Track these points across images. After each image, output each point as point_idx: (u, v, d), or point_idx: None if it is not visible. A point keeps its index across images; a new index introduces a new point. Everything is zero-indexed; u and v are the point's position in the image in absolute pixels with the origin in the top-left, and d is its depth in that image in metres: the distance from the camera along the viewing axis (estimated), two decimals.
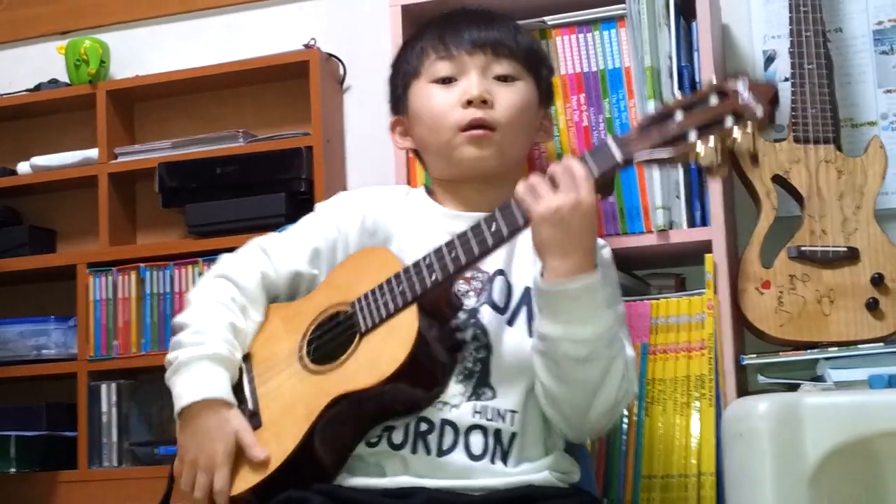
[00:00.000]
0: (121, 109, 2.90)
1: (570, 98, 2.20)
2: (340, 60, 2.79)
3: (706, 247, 2.05)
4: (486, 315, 1.63)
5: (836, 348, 2.01)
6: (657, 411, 1.99)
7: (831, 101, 2.18)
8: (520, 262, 1.66)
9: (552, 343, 1.54)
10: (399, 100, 1.80)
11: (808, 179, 2.13)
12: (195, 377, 1.60)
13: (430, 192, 1.80)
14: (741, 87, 1.46)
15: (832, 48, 2.31)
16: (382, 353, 1.51)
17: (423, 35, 1.78)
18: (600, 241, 1.74)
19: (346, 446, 1.56)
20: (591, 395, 1.56)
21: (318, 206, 1.80)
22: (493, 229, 1.52)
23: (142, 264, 2.72)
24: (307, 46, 2.73)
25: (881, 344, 2.02)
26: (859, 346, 2.01)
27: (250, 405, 1.61)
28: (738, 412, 1.78)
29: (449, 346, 1.56)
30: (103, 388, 2.70)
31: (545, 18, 2.21)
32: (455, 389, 1.57)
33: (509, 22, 1.79)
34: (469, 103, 1.68)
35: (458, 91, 1.69)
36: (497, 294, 1.65)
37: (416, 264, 1.54)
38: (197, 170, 2.72)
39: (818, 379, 1.99)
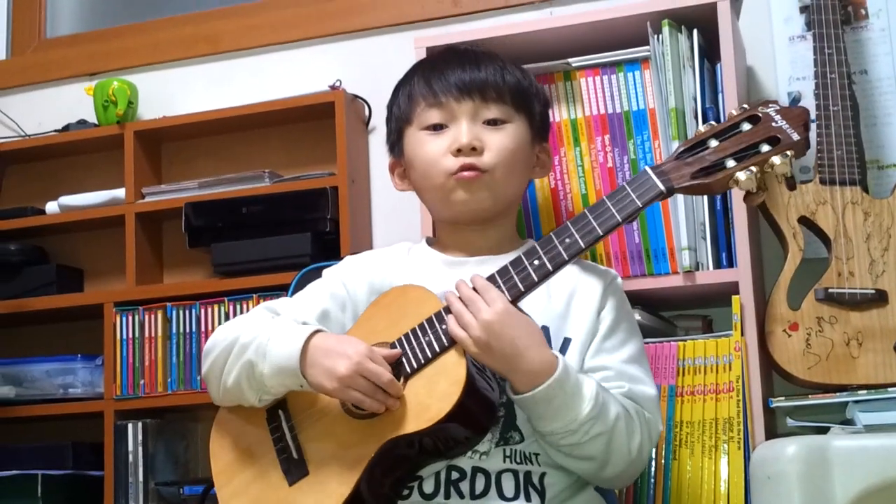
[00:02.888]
0: (148, 150, 2.92)
1: (595, 139, 2.20)
2: (366, 101, 2.81)
3: (733, 288, 2.05)
4: None
5: (865, 391, 2.00)
6: (685, 454, 1.99)
7: (857, 142, 2.18)
8: (533, 300, 1.65)
9: (545, 437, 1.56)
10: (395, 144, 1.83)
11: (834, 221, 2.13)
12: (289, 330, 1.59)
13: (431, 242, 1.83)
14: (773, 112, 1.46)
15: (857, 90, 2.31)
16: (432, 394, 1.50)
17: (412, 79, 1.79)
18: (611, 271, 1.75)
19: (395, 491, 1.56)
20: (602, 464, 1.57)
21: (326, 271, 1.82)
22: (535, 264, 1.53)
23: (168, 303, 2.73)
24: (333, 88, 2.75)
25: None
26: (889, 389, 1.99)
27: (294, 453, 1.60)
28: (766, 455, 1.77)
29: (494, 383, 1.55)
30: (129, 427, 2.70)
31: (570, 60, 2.23)
32: (485, 437, 1.57)
33: (496, 60, 1.79)
34: (459, 151, 1.70)
35: (448, 139, 1.71)
36: None
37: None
38: (223, 210, 2.74)
39: (848, 422, 1.98)
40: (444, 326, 1.53)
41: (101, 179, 2.96)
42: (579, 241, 1.53)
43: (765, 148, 1.46)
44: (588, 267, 1.75)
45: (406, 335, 1.56)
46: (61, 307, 2.85)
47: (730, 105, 2.12)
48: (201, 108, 2.86)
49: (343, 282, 1.75)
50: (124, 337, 2.74)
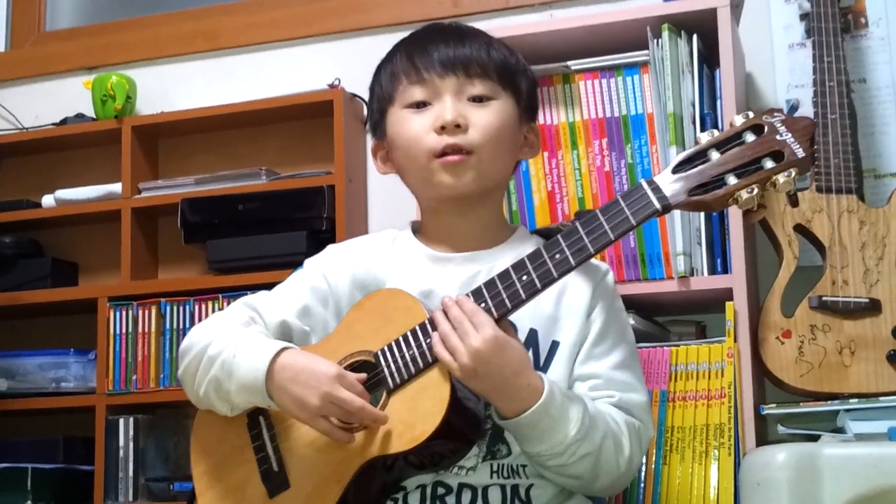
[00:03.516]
0: (145, 145, 2.92)
1: (593, 143, 2.20)
2: (364, 100, 2.80)
3: (727, 294, 2.05)
4: None
5: (856, 400, 2.00)
6: (675, 460, 1.98)
7: (854, 151, 2.18)
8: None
9: (531, 458, 1.54)
10: (377, 125, 1.75)
11: (830, 229, 2.13)
12: (255, 347, 1.55)
13: (416, 230, 1.75)
14: (777, 123, 1.39)
15: (856, 98, 2.31)
16: (416, 413, 1.46)
17: (394, 57, 1.72)
18: (602, 265, 1.69)
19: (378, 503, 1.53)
20: (591, 481, 1.55)
21: (307, 261, 1.75)
22: (524, 280, 1.47)
23: (162, 299, 2.73)
24: (331, 86, 2.75)
25: None
26: (880, 398, 1.99)
27: (275, 465, 1.56)
28: (756, 461, 1.77)
29: (479, 400, 1.51)
30: (121, 422, 2.70)
31: (569, 63, 2.23)
32: (471, 451, 1.53)
33: (482, 37, 1.71)
34: (443, 129, 1.62)
35: (432, 116, 1.63)
36: None
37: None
38: (219, 206, 2.74)
39: (839, 430, 1.98)
40: (428, 341, 1.48)
41: (97, 174, 2.96)
42: (570, 258, 1.47)
43: (768, 164, 1.38)
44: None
45: (390, 346, 1.52)
46: (55, 301, 2.85)
47: (728, 111, 2.12)
48: (199, 104, 2.86)
49: (324, 274, 1.69)
50: (118, 332, 2.74)
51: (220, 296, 2.68)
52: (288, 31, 2.94)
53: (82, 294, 2.85)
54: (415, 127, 1.65)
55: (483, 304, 1.48)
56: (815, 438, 1.95)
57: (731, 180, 1.40)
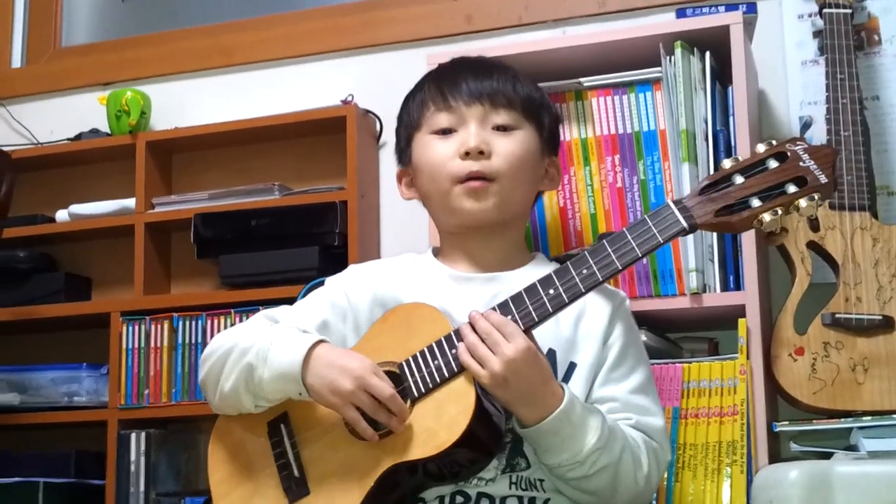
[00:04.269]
0: (159, 160, 2.93)
1: (605, 159, 2.20)
2: (377, 117, 2.81)
3: (739, 311, 2.04)
4: None
5: (870, 418, 1.99)
6: (687, 477, 1.98)
7: (867, 168, 2.18)
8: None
9: (552, 470, 1.55)
10: (403, 151, 1.81)
11: (843, 246, 2.12)
12: (292, 337, 1.58)
13: (437, 253, 1.80)
14: (801, 151, 1.43)
15: (869, 116, 2.31)
16: (440, 421, 1.48)
17: (424, 87, 1.78)
18: (620, 292, 1.74)
19: None
20: (610, 496, 1.56)
21: (329, 279, 1.79)
22: (551, 293, 1.51)
23: (175, 314, 2.73)
24: (344, 102, 2.76)
25: None
26: (894, 415, 1.98)
27: (295, 471, 1.57)
28: (768, 479, 1.77)
29: (502, 409, 1.53)
30: (133, 436, 2.70)
31: (581, 80, 2.23)
32: (490, 463, 1.55)
33: (509, 71, 1.79)
34: (467, 154, 1.68)
35: (457, 142, 1.70)
36: None
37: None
38: (232, 221, 2.74)
39: (852, 448, 1.97)
40: (454, 351, 1.51)
41: (111, 189, 2.97)
42: (597, 273, 1.51)
43: (791, 189, 1.43)
44: (597, 288, 1.72)
45: (414, 356, 1.54)
46: (68, 315, 2.85)
47: (741, 128, 2.12)
48: (213, 120, 2.87)
49: (345, 291, 1.73)
50: (130, 346, 2.74)
51: (232, 311, 2.68)
52: (301, 47, 2.94)
53: (95, 308, 2.86)
54: (439, 152, 1.70)
55: (510, 317, 1.51)
56: (827, 456, 1.94)
57: (756, 203, 1.44)
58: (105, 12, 3.40)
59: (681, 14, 2.32)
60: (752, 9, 2.30)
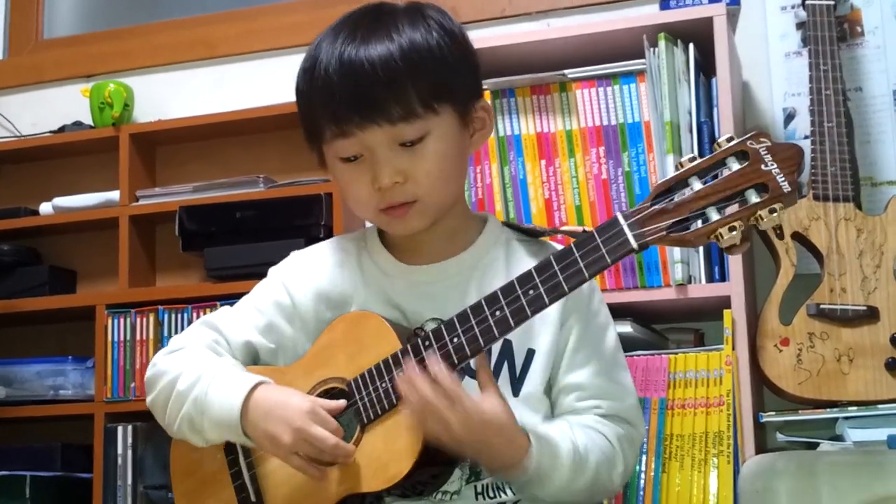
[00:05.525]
0: (143, 153, 2.92)
1: (590, 151, 2.21)
2: None
3: (725, 302, 2.06)
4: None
5: (855, 408, 2.00)
6: (674, 467, 1.99)
7: (851, 159, 2.19)
8: None
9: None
10: (316, 152, 1.59)
11: (827, 237, 2.14)
12: (228, 383, 1.50)
13: (384, 235, 1.64)
14: (763, 151, 1.31)
15: (852, 107, 2.33)
16: (390, 451, 1.43)
17: (308, 92, 1.54)
18: (592, 283, 1.57)
19: None
20: (587, 499, 1.51)
21: (271, 270, 1.67)
22: (497, 316, 1.40)
23: (160, 307, 2.72)
24: None
25: None
26: (879, 406, 2.00)
27: (252, 495, 1.54)
28: (755, 469, 1.78)
29: None
30: (119, 430, 2.69)
31: (565, 72, 2.23)
32: (453, 475, 1.49)
33: (391, 45, 1.48)
34: (381, 189, 1.50)
35: (367, 173, 1.50)
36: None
37: (416, 347, 1.44)
38: (217, 214, 2.74)
39: (838, 438, 1.99)
40: (400, 374, 1.42)
41: (95, 181, 2.95)
42: (543, 295, 1.38)
43: (753, 198, 1.29)
44: None
45: (363, 376, 1.47)
46: (53, 308, 2.84)
47: (725, 119, 2.13)
48: (197, 112, 2.86)
49: (287, 288, 1.61)
50: (116, 339, 2.74)
51: (217, 303, 2.67)
52: (285, 39, 2.94)
53: (80, 301, 2.85)
54: (354, 187, 1.53)
55: (455, 339, 1.41)
56: (814, 446, 1.96)
57: (714, 216, 1.31)
58: (87, 4, 3.38)
59: (664, 6, 2.33)
60: (735, 1, 2.31)
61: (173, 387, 1.54)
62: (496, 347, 1.53)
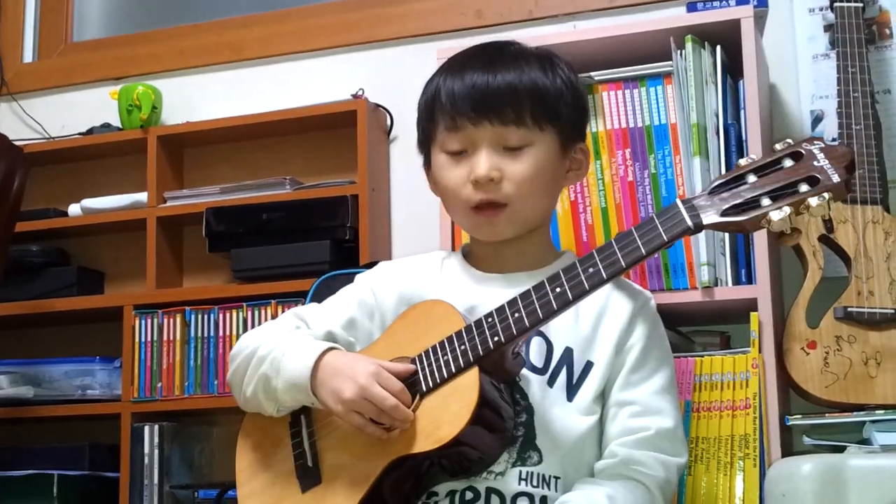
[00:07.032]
0: (171, 154, 2.94)
1: (616, 153, 2.21)
2: (388, 111, 2.82)
3: (751, 305, 2.05)
4: (526, 376, 1.60)
5: (883, 411, 1.99)
6: (700, 470, 1.98)
7: (879, 161, 2.18)
8: (559, 320, 1.59)
9: None
10: (425, 156, 1.77)
11: (855, 240, 2.13)
12: (303, 346, 1.60)
13: (467, 253, 1.79)
14: (816, 150, 1.41)
15: (880, 109, 2.31)
16: (443, 416, 1.49)
17: (433, 94, 1.70)
18: (645, 292, 1.72)
19: None
20: None
21: (359, 276, 1.80)
22: (557, 291, 1.49)
23: (187, 307, 2.74)
24: (355, 97, 2.76)
25: None
26: None
27: (309, 461, 1.61)
28: (781, 472, 1.77)
29: (509, 408, 1.54)
30: (146, 429, 2.72)
31: (592, 74, 2.23)
32: (500, 456, 1.55)
33: (517, 66, 1.66)
34: (477, 182, 1.64)
35: (468, 167, 1.65)
36: (535, 354, 1.63)
37: (479, 323, 1.52)
38: (244, 215, 2.76)
39: (865, 442, 1.97)
40: (462, 347, 1.52)
41: (123, 183, 2.98)
42: (602, 271, 1.48)
43: (803, 188, 1.39)
44: (622, 285, 1.71)
45: (426, 352, 1.56)
46: (81, 309, 2.87)
47: (752, 121, 2.13)
48: (224, 115, 2.88)
49: (372, 289, 1.74)
50: (143, 340, 2.76)
51: (244, 304, 2.69)
52: (312, 42, 2.95)
53: (108, 302, 2.87)
54: (452, 177, 1.68)
55: (517, 314, 1.51)
56: (840, 450, 1.94)
57: (765, 202, 1.41)
58: (116, 7, 3.41)
59: (691, 8, 2.32)
60: (762, 2, 2.31)
61: (254, 353, 1.65)
62: (557, 352, 1.63)
